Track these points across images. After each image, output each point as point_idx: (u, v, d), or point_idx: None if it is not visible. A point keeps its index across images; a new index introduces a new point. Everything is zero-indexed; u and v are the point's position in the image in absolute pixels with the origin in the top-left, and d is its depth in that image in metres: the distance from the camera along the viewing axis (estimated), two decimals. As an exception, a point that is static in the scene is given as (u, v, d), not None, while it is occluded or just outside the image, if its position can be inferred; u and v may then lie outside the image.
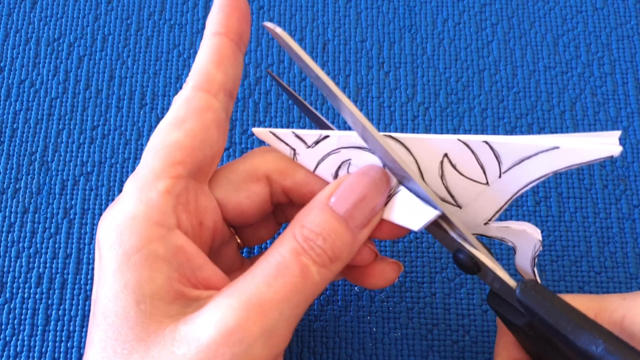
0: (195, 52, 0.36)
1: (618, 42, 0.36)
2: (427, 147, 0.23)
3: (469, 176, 0.23)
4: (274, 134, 0.24)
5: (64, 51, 0.36)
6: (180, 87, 0.35)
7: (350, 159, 0.24)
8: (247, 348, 0.20)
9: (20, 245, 0.32)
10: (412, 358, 0.30)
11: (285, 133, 0.24)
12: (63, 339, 0.30)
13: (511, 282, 0.22)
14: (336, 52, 0.36)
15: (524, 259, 0.24)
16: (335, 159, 0.24)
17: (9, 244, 0.32)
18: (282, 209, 0.27)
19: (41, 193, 0.33)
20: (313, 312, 0.31)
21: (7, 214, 0.32)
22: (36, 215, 0.32)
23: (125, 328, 0.20)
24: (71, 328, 0.30)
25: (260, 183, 0.25)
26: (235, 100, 0.24)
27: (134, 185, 0.22)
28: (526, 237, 0.23)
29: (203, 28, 0.36)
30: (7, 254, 0.31)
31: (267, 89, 0.35)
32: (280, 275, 0.21)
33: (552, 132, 0.34)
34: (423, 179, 0.23)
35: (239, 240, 0.27)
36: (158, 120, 0.34)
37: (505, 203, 0.23)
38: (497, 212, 0.23)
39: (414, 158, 0.23)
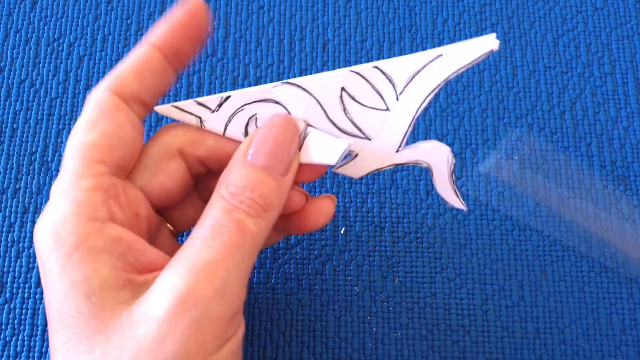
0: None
1: (618, 42, 0.36)
2: (324, 84, 0.24)
3: (369, 105, 0.24)
4: (177, 107, 0.25)
5: (64, 51, 0.36)
6: (180, 87, 0.35)
7: (256, 114, 0.24)
8: (205, 310, 0.20)
9: (20, 245, 0.32)
10: (413, 358, 0.30)
11: (188, 103, 0.24)
12: (63, 339, 0.30)
13: None
14: (336, 52, 0.36)
15: (442, 178, 0.24)
16: (241, 117, 0.24)
17: (9, 244, 0.32)
18: (204, 182, 0.27)
19: (41, 193, 0.33)
20: (314, 312, 0.31)
21: (7, 214, 0.32)
22: (36, 215, 0.32)
23: (82, 325, 0.20)
24: (71, 328, 0.30)
25: (175, 159, 0.25)
26: (149, 111, 0.25)
27: (59, 188, 0.22)
28: (437, 151, 0.24)
29: (203, 28, 0.36)
30: (7, 254, 0.31)
31: (267, 89, 0.35)
32: (218, 234, 0.21)
33: (552, 133, 0.34)
34: (328, 116, 0.24)
35: (171, 228, 0.27)
36: (157, 120, 0.34)
37: (410, 124, 0.24)
38: (404, 136, 0.24)
39: (315, 98, 0.24)
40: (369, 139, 0.24)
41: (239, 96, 0.24)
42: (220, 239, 0.21)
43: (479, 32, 0.36)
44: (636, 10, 0.37)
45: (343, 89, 0.24)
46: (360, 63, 0.36)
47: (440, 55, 0.22)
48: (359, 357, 0.30)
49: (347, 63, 0.36)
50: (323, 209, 0.26)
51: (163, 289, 0.20)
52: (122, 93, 0.23)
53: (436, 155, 0.24)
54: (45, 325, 0.30)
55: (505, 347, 0.30)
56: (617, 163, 0.34)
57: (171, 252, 0.25)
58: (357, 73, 0.23)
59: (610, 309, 0.31)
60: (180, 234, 0.31)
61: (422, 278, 0.31)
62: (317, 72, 0.35)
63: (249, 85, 0.35)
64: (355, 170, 0.25)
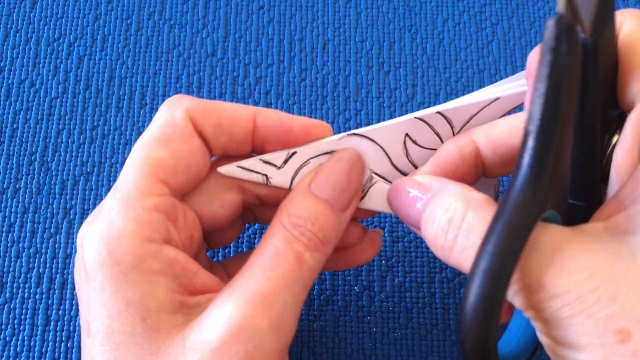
0: (195, 52, 0.36)
1: (618, 42, 0.36)
2: (390, 133, 0.24)
3: (428, 146, 0.24)
4: (242, 167, 0.24)
5: (64, 51, 0.36)
6: (180, 88, 0.35)
7: (321, 164, 0.25)
8: (259, 343, 0.20)
9: (20, 245, 0.32)
10: (412, 358, 0.30)
11: (253, 162, 0.24)
12: (63, 339, 0.30)
13: None
14: (336, 52, 0.36)
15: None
16: (306, 170, 0.25)
17: (9, 244, 0.32)
18: (250, 208, 0.27)
19: (41, 193, 0.33)
20: (313, 312, 0.31)
21: (7, 214, 0.32)
22: (36, 215, 0.32)
23: (133, 344, 0.20)
24: (71, 328, 0.30)
25: (232, 191, 0.24)
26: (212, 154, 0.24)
27: (119, 201, 0.22)
28: (485, 180, 0.25)
29: (203, 28, 0.36)
30: (7, 254, 0.31)
31: (267, 89, 0.35)
32: (277, 265, 0.21)
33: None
34: (392, 162, 0.25)
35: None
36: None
37: None
38: None
39: (380, 146, 0.24)
40: None
41: (305, 151, 0.24)
42: (280, 270, 0.21)
43: (479, 32, 0.36)
44: (636, 10, 0.37)
45: (407, 135, 0.24)
46: (360, 63, 0.36)
47: (498, 98, 0.23)
48: (358, 357, 0.30)
49: (347, 63, 0.36)
50: (376, 242, 0.26)
51: (219, 317, 0.20)
52: (195, 127, 0.23)
53: (485, 185, 0.25)
54: (45, 325, 0.30)
55: (504, 347, 0.30)
56: (617, 163, 0.34)
57: (205, 268, 0.25)
58: (422, 120, 0.24)
59: (610, 309, 0.31)
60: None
61: (422, 278, 0.31)
62: (317, 72, 0.35)
63: (249, 85, 0.35)
64: None
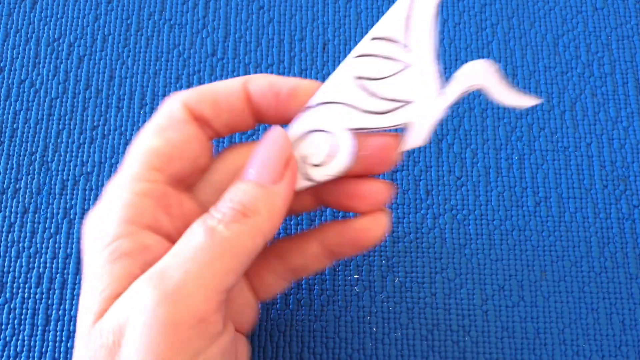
0: (195, 52, 0.36)
1: (618, 42, 0.36)
2: (338, 86, 0.23)
3: (389, 74, 0.23)
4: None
5: (64, 51, 0.36)
6: (180, 87, 0.35)
7: (306, 155, 0.24)
8: (152, 314, 0.19)
9: (20, 245, 0.32)
10: (413, 358, 0.30)
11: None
12: (63, 339, 0.30)
13: None
14: (336, 52, 0.36)
15: (500, 88, 0.23)
16: (300, 164, 0.24)
17: (9, 244, 0.32)
18: None
19: (41, 193, 0.33)
20: (313, 313, 0.31)
21: (7, 214, 0.32)
22: (36, 215, 0.32)
23: (88, 321, 0.21)
24: (71, 328, 0.30)
25: None
26: (220, 136, 0.25)
27: (112, 185, 0.23)
28: (477, 70, 0.23)
29: (203, 28, 0.36)
30: (7, 254, 0.31)
31: (267, 89, 0.35)
32: (184, 242, 0.21)
33: (552, 133, 0.34)
34: (364, 110, 0.23)
35: None
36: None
37: (434, 62, 0.23)
38: (436, 75, 0.23)
39: (340, 103, 0.23)
40: (411, 102, 0.23)
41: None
42: (185, 246, 0.21)
43: (479, 32, 0.36)
44: (636, 10, 0.37)
45: (358, 77, 0.23)
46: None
47: None
48: (359, 357, 0.30)
49: (347, 63, 0.36)
50: (381, 220, 0.25)
51: (121, 297, 0.21)
52: (194, 114, 0.24)
53: (479, 74, 0.23)
54: (45, 325, 0.30)
55: (505, 347, 0.30)
56: (617, 163, 0.34)
57: None
58: (361, 55, 0.23)
59: (610, 309, 0.31)
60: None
61: (422, 278, 0.31)
62: (317, 72, 0.35)
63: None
64: (417, 137, 0.24)
